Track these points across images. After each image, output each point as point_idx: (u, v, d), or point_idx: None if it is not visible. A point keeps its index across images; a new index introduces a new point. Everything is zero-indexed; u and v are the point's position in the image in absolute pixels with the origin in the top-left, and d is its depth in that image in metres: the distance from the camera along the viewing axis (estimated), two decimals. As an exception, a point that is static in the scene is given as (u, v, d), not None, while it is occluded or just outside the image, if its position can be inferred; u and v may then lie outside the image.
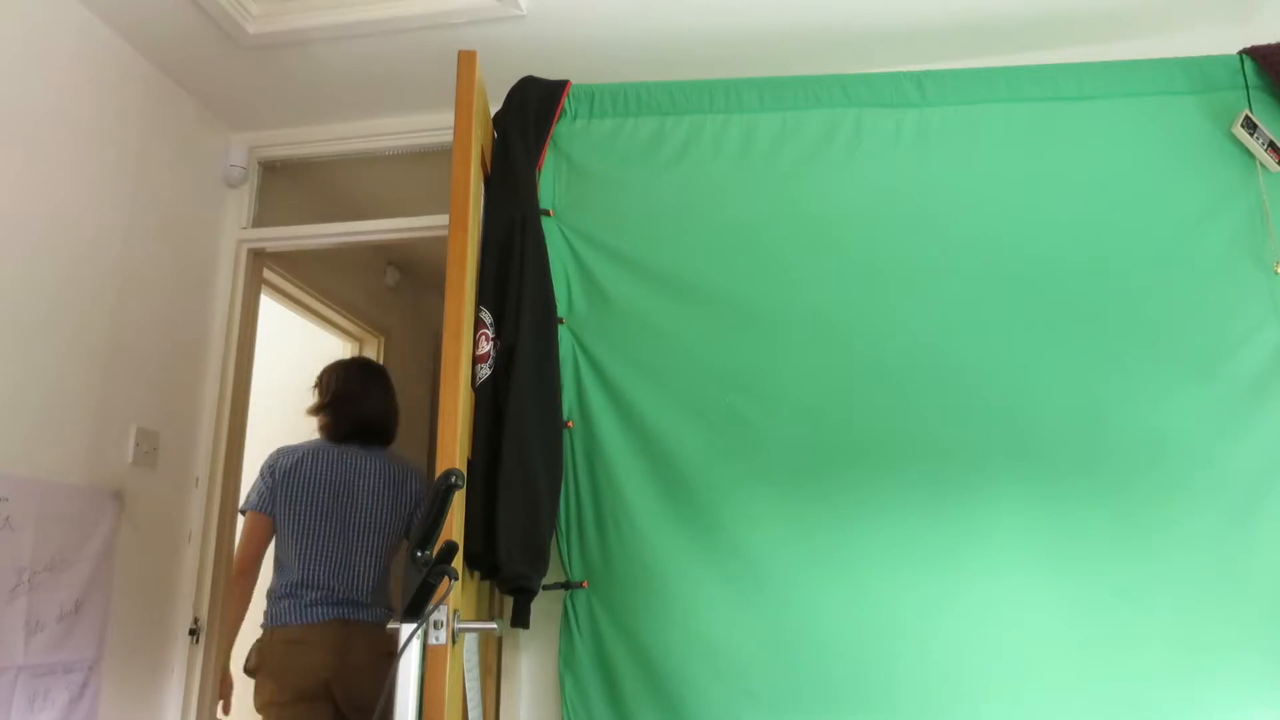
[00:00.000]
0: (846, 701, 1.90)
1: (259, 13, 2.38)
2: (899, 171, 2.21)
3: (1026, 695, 1.87)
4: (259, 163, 2.91)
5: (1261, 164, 2.13)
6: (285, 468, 2.65)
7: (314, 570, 2.55)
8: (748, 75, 2.36)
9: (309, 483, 2.63)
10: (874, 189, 2.20)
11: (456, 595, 1.74)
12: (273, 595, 2.57)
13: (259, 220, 2.88)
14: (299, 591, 2.53)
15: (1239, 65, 2.20)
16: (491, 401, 2.01)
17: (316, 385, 2.83)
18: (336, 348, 3.87)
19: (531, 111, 2.27)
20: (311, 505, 2.61)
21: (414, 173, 2.89)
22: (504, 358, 2.03)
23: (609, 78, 2.41)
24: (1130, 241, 2.12)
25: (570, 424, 2.13)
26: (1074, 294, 2.09)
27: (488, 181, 2.22)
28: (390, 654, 2.26)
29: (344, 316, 3.70)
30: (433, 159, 2.80)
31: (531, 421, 2.01)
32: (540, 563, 1.99)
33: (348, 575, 2.56)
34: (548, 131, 2.27)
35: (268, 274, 3.02)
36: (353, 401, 2.74)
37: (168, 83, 2.61)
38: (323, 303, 3.52)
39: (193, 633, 2.53)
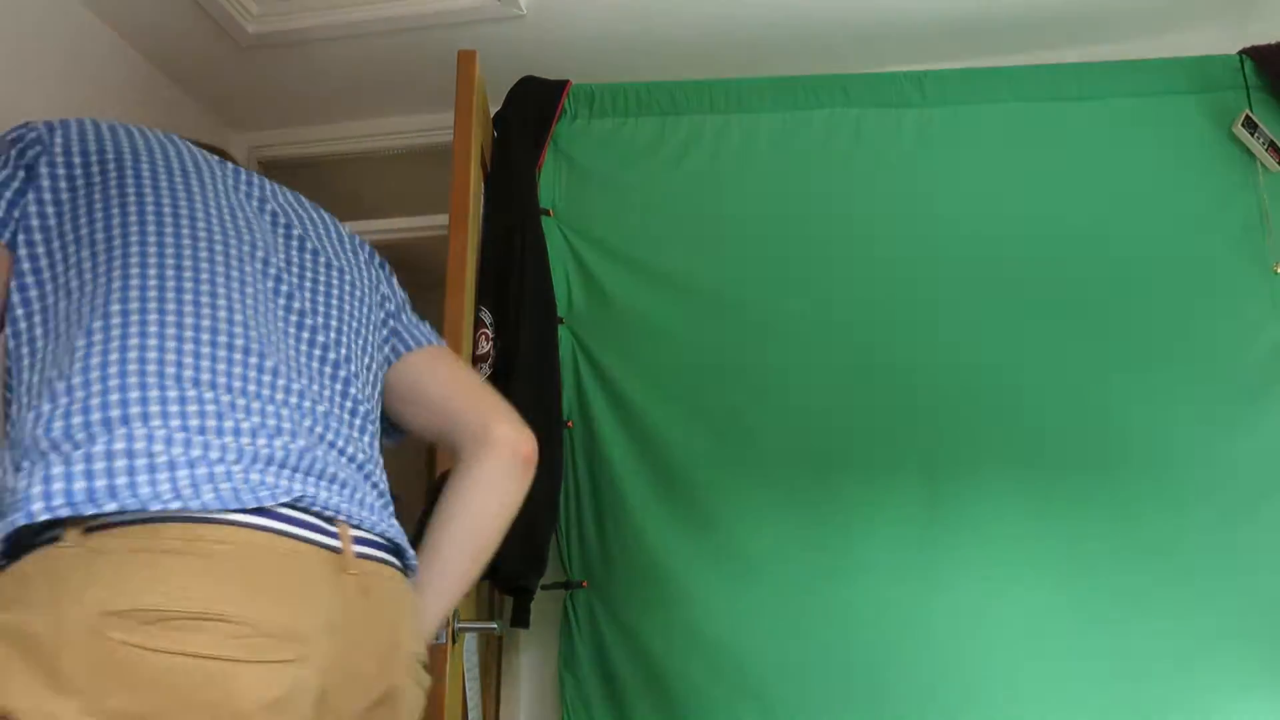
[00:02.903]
0: (846, 701, 1.89)
1: (259, 13, 2.38)
2: (899, 172, 2.21)
3: (1026, 697, 1.87)
4: (259, 163, 2.91)
5: (1261, 164, 2.13)
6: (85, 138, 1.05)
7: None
8: (748, 75, 2.36)
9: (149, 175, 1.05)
10: (874, 190, 2.20)
11: (456, 595, 1.74)
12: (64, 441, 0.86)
13: (259, 220, 2.87)
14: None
15: (1239, 65, 2.19)
16: (491, 401, 2.00)
17: None
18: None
19: (532, 111, 2.27)
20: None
21: (414, 173, 2.88)
22: (504, 358, 2.03)
23: (609, 78, 2.41)
24: (1130, 241, 2.11)
25: (570, 424, 2.13)
26: (1074, 294, 2.09)
27: (488, 181, 2.22)
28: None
29: (344, 316, 3.69)
30: (433, 159, 2.79)
31: (531, 421, 2.01)
32: (539, 562, 1.99)
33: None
34: (548, 131, 2.27)
35: (268, 274, 3.01)
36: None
37: (168, 83, 2.61)
38: (323, 303, 3.52)
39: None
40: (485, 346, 2.04)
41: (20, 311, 0.94)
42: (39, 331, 0.93)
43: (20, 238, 0.97)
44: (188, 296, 0.96)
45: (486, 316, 2.06)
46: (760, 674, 1.92)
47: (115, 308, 0.92)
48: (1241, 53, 2.21)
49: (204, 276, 0.99)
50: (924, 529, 1.97)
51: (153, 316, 0.93)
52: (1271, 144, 2.11)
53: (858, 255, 2.16)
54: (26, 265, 0.96)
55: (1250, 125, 2.12)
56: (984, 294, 2.11)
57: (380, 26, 2.37)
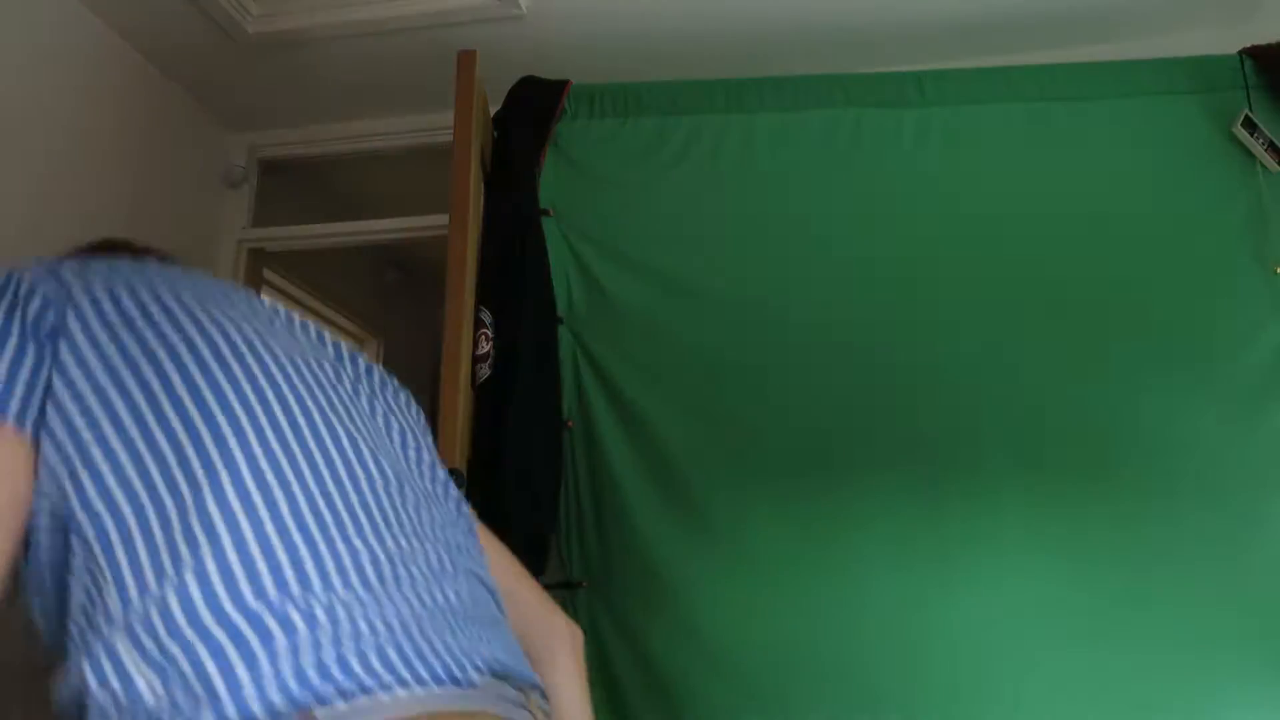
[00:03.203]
0: (847, 703, 1.89)
1: (259, 12, 2.38)
2: (899, 172, 2.20)
3: (1031, 697, 1.87)
4: (259, 162, 2.91)
5: (1261, 164, 2.13)
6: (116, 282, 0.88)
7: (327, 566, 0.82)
8: (748, 75, 2.36)
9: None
10: (874, 189, 2.20)
11: (456, 595, 1.74)
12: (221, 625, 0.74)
13: (259, 220, 2.88)
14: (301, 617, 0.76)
15: (1239, 65, 2.19)
16: (492, 401, 2.00)
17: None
18: (336, 348, 3.86)
19: (531, 111, 2.27)
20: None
21: (414, 173, 2.89)
22: (504, 358, 2.03)
23: (609, 78, 2.41)
24: (1130, 242, 2.11)
25: (570, 424, 2.13)
26: (1074, 294, 2.09)
27: (488, 181, 2.22)
28: None
29: (344, 317, 3.70)
30: (433, 159, 2.79)
31: (531, 421, 2.01)
32: (539, 563, 1.99)
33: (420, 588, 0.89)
34: (548, 131, 2.27)
35: (268, 274, 3.02)
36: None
37: (168, 82, 2.61)
38: (323, 303, 3.52)
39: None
40: (485, 346, 2.04)
41: (90, 487, 0.77)
42: (120, 498, 0.77)
43: (65, 394, 0.79)
44: (308, 435, 0.84)
45: (486, 316, 2.06)
46: (761, 675, 1.92)
47: (241, 463, 0.79)
48: (1241, 53, 2.21)
49: (312, 408, 0.87)
50: (926, 530, 1.97)
51: (286, 469, 0.81)
52: (1271, 144, 2.11)
53: (858, 255, 2.16)
54: (80, 422, 0.79)
55: (1250, 125, 2.12)
56: (984, 293, 2.11)
57: (380, 26, 2.37)
